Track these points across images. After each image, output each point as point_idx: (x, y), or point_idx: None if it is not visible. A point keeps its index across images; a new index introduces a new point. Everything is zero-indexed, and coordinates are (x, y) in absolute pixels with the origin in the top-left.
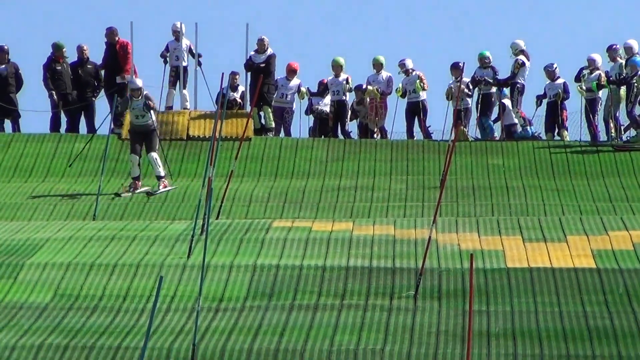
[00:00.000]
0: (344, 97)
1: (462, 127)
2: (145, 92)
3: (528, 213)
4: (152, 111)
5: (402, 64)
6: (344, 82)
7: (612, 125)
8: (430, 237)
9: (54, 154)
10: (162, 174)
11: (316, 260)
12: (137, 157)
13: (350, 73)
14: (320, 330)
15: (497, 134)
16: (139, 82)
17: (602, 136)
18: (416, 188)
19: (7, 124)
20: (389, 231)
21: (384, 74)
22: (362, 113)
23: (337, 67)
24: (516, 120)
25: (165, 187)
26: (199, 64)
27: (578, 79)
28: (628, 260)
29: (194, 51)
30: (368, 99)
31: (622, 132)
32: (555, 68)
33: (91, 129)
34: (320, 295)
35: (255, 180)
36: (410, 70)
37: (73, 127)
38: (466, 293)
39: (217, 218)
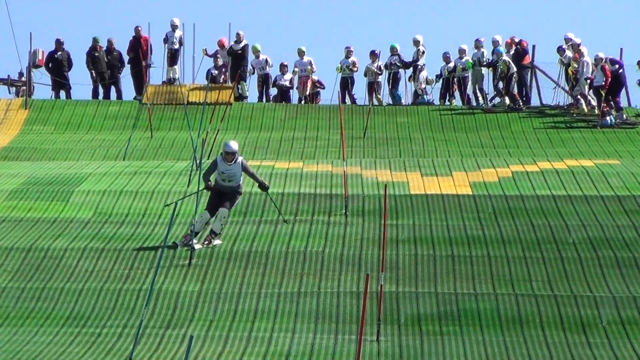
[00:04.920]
0: (308, 74)
1: (378, 96)
2: (240, 159)
3: (424, 156)
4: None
5: (348, 50)
6: (308, 64)
7: (479, 94)
8: (344, 171)
9: (94, 114)
10: (219, 232)
11: (277, 189)
12: (209, 217)
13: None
14: (280, 237)
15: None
16: (235, 145)
17: (473, 102)
18: (347, 139)
19: (62, 94)
20: (327, 168)
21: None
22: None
23: (300, 53)
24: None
25: (210, 244)
26: (181, 43)
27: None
28: (495, 188)
29: (182, 41)
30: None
31: (489, 100)
32: (449, 55)
33: (119, 96)
34: (279, 213)
35: (234, 132)
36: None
37: (106, 96)
38: (382, 211)
39: (207, 159)
